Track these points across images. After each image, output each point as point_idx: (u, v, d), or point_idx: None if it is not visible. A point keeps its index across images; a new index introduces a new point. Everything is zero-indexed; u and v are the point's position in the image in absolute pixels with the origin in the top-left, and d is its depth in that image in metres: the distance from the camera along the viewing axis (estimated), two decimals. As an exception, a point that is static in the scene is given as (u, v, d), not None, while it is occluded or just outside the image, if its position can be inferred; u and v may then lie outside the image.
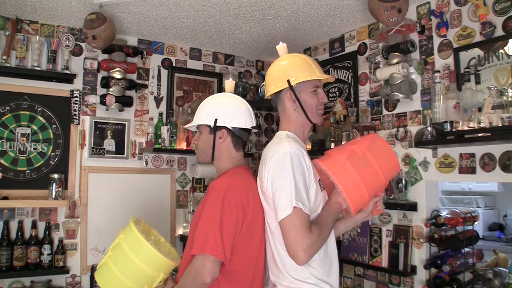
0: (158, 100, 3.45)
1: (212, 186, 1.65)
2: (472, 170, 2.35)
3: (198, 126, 1.82)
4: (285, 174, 1.48)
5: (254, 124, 1.83)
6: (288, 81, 1.64)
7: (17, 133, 2.92)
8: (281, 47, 1.77)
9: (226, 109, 1.80)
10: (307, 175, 1.53)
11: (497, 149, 2.23)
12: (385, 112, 2.89)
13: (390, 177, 1.66)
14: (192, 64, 3.64)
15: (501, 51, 2.22)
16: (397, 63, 2.66)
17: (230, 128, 1.76)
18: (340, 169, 1.55)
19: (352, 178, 1.53)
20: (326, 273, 1.55)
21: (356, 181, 1.53)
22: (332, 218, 1.54)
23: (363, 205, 1.61)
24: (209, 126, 1.77)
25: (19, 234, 2.79)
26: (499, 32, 2.24)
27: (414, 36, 2.68)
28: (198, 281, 1.51)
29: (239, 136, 1.78)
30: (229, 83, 1.97)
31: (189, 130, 3.34)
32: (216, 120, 1.75)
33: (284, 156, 1.51)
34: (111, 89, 3.14)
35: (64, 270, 2.89)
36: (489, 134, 2.10)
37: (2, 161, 2.86)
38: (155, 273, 1.63)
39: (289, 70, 1.67)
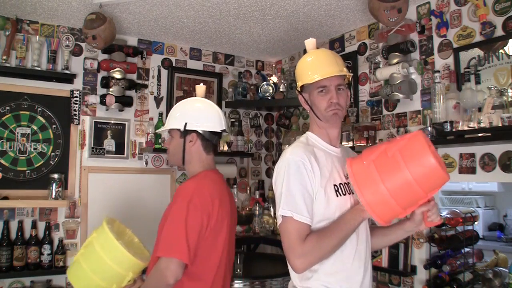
0: (158, 100, 3.45)
1: (178, 189, 1.71)
2: (472, 170, 2.35)
3: (170, 130, 1.86)
4: (280, 183, 1.49)
5: (224, 127, 1.87)
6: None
7: (17, 133, 2.92)
8: (309, 42, 1.67)
9: (196, 112, 1.85)
10: (309, 182, 1.47)
11: (497, 149, 2.23)
12: (385, 112, 2.89)
13: (428, 184, 1.34)
14: (192, 64, 3.64)
15: (501, 51, 2.22)
16: (397, 63, 2.66)
17: (200, 131, 1.81)
18: (362, 171, 1.40)
19: (373, 181, 1.36)
20: (335, 281, 1.48)
21: (377, 185, 1.35)
22: (342, 226, 1.43)
23: (394, 213, 1.39)
24: (179, 130, 1.81)
25: (19, 234, 2.80)
26: (499, 32, 2.24)
27: (414, 36, 2.68)
28: (162, 282, 1.56)
29: (209, 139, 1.83)
30: (200, 88, 2.02)
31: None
32: (186, 124, 1.80)
33: (282, 163, 1.52)
34: (111, 89, 3.13)
35: (64, 270, 2.88)
36: (489, 134, 2.10)
37: (2, 161, 2.86)
38: (124, 272, 1.66)
39: (297, 72, 1.65)
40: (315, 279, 1.47)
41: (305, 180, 1.47)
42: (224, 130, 1.88)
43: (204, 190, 1.69)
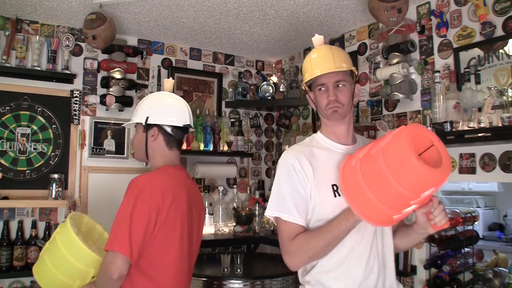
0: (158, 100, 3.45)
1: (130, 182, 1.68)
2: (472, 170, 2.35)
3: (136, 125, 1.86)
4: (274, 183, 1.56)
5: (189, 123, 1.85)
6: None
7: (17, 133, 2.92)
8: (315, 39, 1.63)
9: (158, 107, 1.83)
10: (300, 183, 1.49)
11: (497, 149, 2.23)
12: (385, 112, 2.89)
13: (414, 184, 1.21)
14: (192, 64, 3.63)
15: (501, 51, 2.22)
16: (397, 63, 2.66)
17: (162, 126, 1.79)
18: (349, 171, 1.36)
19: (357, 183, 1.30)
20: (327, 274, 1.49)
21: (362, 187, 1.28)
22: (332, 228, 1.41)
23: (386, 215, 1.30)
24: (142, 124, 1.81)
25: (19, 234, 2.80)
26: (499, 32, 2.24)
27: (414, 36, 2.68)
28: (107, 277, 1.54)
29: (172, 134, 1.81)
30: (168, 82, 2.00)
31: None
32: (147, 118, 1.79)
33: (277, 166, 1.57)
34: (111, 89, 3.14)
35: (64, 270, 2.89)
36: (489, 134, 2.10)
37: (2, 161, 2.86)
38: (85, 268, 1.66)
39: (302, 71, 1.64)
40: (311, 274, 1.51)
41: (295, 181, 1.49)
42: (188, 125, 1.85)
43: (155, 184, 1.65)
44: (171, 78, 2.04)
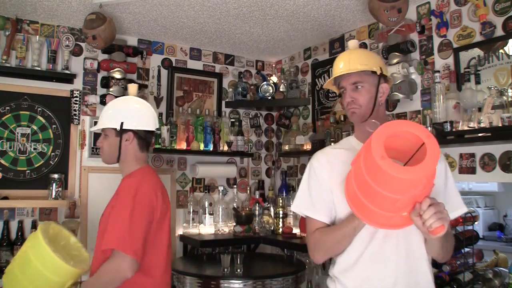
0: (158, 100, 3.45)
1: (123, 185, 1.78)
2: (472, 170, 2.35)
3: (104, 129, 1.90)
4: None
5: (157, 126, 1.96)
6: None
7: (17, 133, 2.92)
8: (350, 43, 1.65)
9: (131, 112, 1.90)
10: (318, 183, 1.56)
11: (497, 149, 2.23)
12: (385, 112, 2.89)
13: (390, 186, 1.15)
14: (192, 64, 3.64)
15: (501, 51, 2.22)
16: (397, 63, 2.66)
17: (136, 131, 1.87)
18: (349, 172, 1.37)
19: (351, 184, 1.30)
20: (343, 273, 1.52)
21: (354, 189, 1.27)
22: (340, 227, 1.45)
23: (384, 218, 1.25)
24: (115, 129, 1.86)
25: (19, 234, 2.80)
26: (499, 32, 2.24)
27: (414, 36, 2.68)
28: (120, 277, 1.61)
29: (144, 138, 1.90)
30: (132, 87, 2.05)
31: (189, 130, 3.35)
32: (122, 123, 1.84)
33: None
34: (111, 89, 3.13)
35: (64, 270, 2.89)
36: (489, 134, 2.10)
37: (2, 161, 2.86)
38: (63, 279, 1.66)
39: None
40: (332, 271, 1.57)
41: (313, 180, 1.57)
42: (157, 129, 1.97)
43: (148, 186, 1.77)
44: (133, 83, 2.13)
